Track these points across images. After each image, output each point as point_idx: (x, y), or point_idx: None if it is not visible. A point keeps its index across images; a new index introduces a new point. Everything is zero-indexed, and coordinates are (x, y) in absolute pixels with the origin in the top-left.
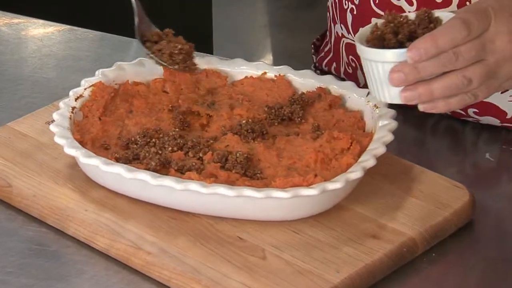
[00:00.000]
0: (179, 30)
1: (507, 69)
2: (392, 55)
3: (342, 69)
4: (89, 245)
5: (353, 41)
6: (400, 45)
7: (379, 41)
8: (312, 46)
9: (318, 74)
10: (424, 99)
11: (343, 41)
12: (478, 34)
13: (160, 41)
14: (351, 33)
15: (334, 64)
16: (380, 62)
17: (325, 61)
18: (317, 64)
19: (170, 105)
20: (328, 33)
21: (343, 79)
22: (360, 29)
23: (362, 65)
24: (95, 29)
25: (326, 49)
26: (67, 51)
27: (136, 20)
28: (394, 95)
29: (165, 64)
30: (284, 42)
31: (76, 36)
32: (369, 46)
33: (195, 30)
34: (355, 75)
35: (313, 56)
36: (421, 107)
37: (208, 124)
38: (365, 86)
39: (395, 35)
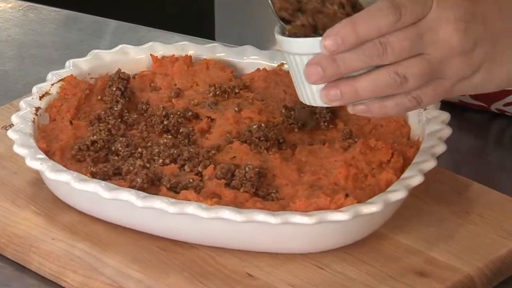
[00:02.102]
0: (174, 11)
1: (455, 66)
2: (307, 45)
3: None
4: (57, 284)
5: None
6: None
7: (309, 29)
8: None
9: None
10: (348, 99)
11: None
12: (412, 20)
13: None
14: None
15: None
16: (297, 54)
17: None
18: None
19: (161, 105)
20: None
21: None
22: None
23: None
24: (63, 7)
25: None
26: (28, 36)
27: None
28: (315, 95)
29: None
30: None
31: (39, 16)
32: (290, 36)
33: (194, 10)
34: None
35: None
36: (351, 109)
37: (210, 130)
38: None
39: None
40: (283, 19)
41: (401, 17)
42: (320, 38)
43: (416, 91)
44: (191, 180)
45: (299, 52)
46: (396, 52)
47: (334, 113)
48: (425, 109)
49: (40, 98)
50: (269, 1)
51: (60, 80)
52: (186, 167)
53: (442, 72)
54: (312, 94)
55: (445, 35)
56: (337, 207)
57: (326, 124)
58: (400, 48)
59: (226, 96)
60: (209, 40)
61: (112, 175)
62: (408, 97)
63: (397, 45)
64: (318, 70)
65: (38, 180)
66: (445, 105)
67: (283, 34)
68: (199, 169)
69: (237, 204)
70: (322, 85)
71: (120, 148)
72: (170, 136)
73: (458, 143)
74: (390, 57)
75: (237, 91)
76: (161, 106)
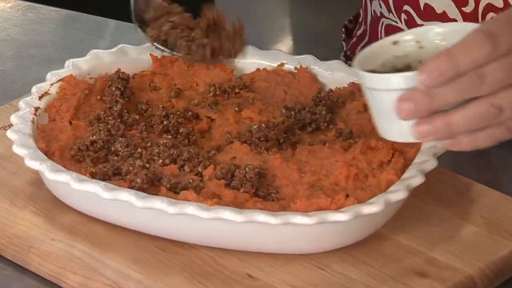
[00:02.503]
0: None
1: None
2: (398, 80)
3: None
4: (57, 284)
5: (395, 21)
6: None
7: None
8: (343, 29)
9: (350, 66)
10: (442, 135)
11: (382, 23)
12: (507, 50)
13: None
14: (393, 12)
15: None
16: (384, 90)
17: (359, 47)
18: (348, 52)
19: (161, 105)
20: (362, 12)
21: None
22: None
23: (364, 96)
24: (62, 6)
25: (359, 32)
26: (28, 36)
27: None
28: (405, 131)
29: (180, 54)
30: (308, 23)
31: (38, 16)
32: (370, 71)
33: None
34: None
35: (343, 42)
36: (440, 145)
37: (210, 130)
38: None
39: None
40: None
41: (496, 46)
42: (411, 73)
43: (509, 120)
44: (191, 181)
45: (385, 88)
46: (492, 84)
47: (334, 114)
48: None
49: (40, 98)
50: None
51: (59, 80)
52: (186, 167)
53: None
54: (400, 130)
55: None
56: (338, 208)
57: (326, 124)
58: (495, 79)
59: (226, 96)
60: None
61: (112, 175)
62: (501, 128)
63: (493, 76)
64: (410, 106)
65: (37, 181)
66: None
67: (365, 69)
68: (199, 169)
69: (237, 205)
70: (412, 121)
71: (119, 148)
72: (170, 136)
73: None
74: (486, 88)
75: (237, 91)
76: (161, 106)
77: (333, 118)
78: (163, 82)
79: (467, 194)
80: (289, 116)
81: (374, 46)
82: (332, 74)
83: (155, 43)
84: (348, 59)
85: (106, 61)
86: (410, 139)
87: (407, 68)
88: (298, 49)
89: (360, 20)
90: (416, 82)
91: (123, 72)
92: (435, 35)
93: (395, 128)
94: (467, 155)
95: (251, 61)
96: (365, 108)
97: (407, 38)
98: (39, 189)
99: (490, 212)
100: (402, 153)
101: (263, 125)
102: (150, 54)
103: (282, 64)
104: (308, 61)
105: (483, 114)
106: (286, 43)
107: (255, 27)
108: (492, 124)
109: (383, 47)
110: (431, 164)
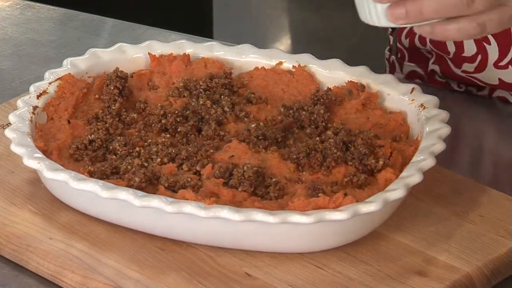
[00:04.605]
0: (172, 9)
1: None
2: None
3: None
4: (56, 284)
5: None
6: None
7: None
8: None
9: (394, 61)
10: (413, 18)
11: None
12: None
13: None
14: None
15: None
16: None
17: (405, 31)
18: (397, 41)
19: (159, 104)
20: None
21: (417, 56)
22: None
23: None
24: (60, 5)
25: None
26: (26, 35)
27: None
28: (380, 14)
29: None
30: (306, 21)
31: (36, 15)
32: None
33: (192, 8)
34: (444, 42)
35: (390, 36)
36: (416, 29)
37: (207, 129)
38: (456, 58)
39: None
40: None
41: None
42: None
43: (481, 16)
44: (189, 179)
45: None
46: None
47: (333, 113)
48: (424, 108)
49: (38, 97)
50: None
51: (57, 79)
52: (184, 166)
53: None
54: (376, 13)
55: None
56: (336, 206)
57: (324, 123)
58: None
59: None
60: (207, 39)
61: (110, 174)
62: (473, 24)
63: None
64: None
65: (35, 179)
66: (443, 106)
67: None
68: (197, 168)
69: (235, 203)
70: (387, 4)
71: (118, 147)
72: (168, 135)
73: (459, 141)
74: None
75: (235, 89)
76: (159, 105)
77: (332, 116)
78: (161, 81)
79: (466, 193)
80: (287, 115)
81: None
82: (331, 73)
83: None
84: (392, 53)
85: (104, 60)
86: (384, 22)
87: None
88: (296, 48)
89: None
90: None
91: (121, 71)
92: None
93: (372, 11)
94: (467, 155)
95: (249, 59)
96: (364, 106)
97: None
98: (37, 188)
99: (488, 211)
100: (401, 152)
101: (261, 124)
102: (148, 53)
103: (281, 63)
104: (306, 59)
105: (454, 1)
106: (284, 42)
107: (254, 25)
108: (464, 14)
109: None
110: (429, 162)
